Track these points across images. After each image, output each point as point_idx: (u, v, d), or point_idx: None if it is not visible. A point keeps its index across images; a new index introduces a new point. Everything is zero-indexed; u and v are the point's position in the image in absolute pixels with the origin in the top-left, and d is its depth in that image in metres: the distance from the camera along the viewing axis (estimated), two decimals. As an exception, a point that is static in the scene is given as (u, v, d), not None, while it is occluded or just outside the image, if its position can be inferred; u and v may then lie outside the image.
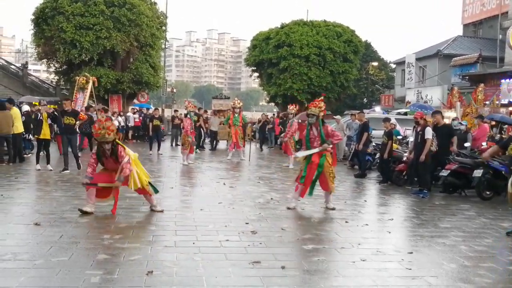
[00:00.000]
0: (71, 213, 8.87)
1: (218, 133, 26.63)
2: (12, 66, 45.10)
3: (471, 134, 15.96)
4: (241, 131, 20.77)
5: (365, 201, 12.02)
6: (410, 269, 6.43)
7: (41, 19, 32.64)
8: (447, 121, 18.07)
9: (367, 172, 16.52)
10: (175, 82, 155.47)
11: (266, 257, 6.65)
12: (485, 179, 12.38)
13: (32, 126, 17.25)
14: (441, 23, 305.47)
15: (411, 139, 14.11)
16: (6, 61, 45.59)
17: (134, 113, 32.84)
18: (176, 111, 31.67)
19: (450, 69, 37.53)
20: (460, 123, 16.83)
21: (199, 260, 6.42)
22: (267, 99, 44.95)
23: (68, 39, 31.50)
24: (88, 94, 25.75)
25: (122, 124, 29.30)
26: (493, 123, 19.15)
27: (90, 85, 25.76)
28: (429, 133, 12.54)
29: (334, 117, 22.08)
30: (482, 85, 23.71)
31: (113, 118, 23.88)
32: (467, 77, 33.64)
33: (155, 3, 36.96)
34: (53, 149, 16.36)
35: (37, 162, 15.11)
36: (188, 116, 18.65)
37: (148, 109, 36.82)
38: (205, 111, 31.21)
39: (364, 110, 25.33)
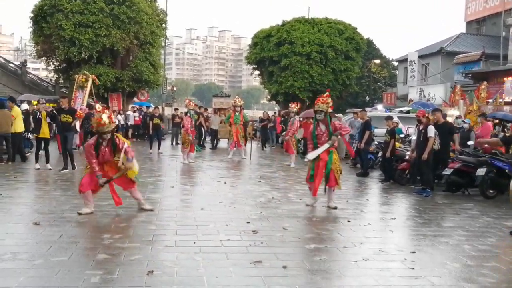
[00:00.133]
0: (71, 213, 8.87)
1: (219, 132, 26.62)
2: (11, 64, 45.10)
3: (474, 133, 15.95)
4: (242, 129, 20.76)
5: (368, 200, 12.01)
6: (413, 268, 6.42)
7: (40, 16, 32.61)
8: (450, 119, 18.10)
9: (369, 171, 16.51)
10: (175, 80, 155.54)
11: (267, 256, 6.65)
12: (489, 178, 12.36)
13: (33, 124, 17.24)
14: (444, 21, 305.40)
15: (414, 137, 14.10)
16: (5, 59, 45.57)
17: (134, 111, 32.80)
18: (176, 109, 31.65)
19: (453, 66, 37.47)
20: (463, 121, 16.82)
21: (200, 259, 6.42)
22: (268, 97, 44.89)
23: (67, 37, 31.48)
24: (87, 92, 25.80)
25: (122, 122, 29.26)
26: (496, 121, 19.15)
27: (89, 83, 25.81)
28: (431, 131, 12.53)
29: (336, 115, 22.06)
30: (485, 83, 23.70)
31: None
32: (470, 75, 33.57)
33: (155, 1, 36.98)
34: (52, 148, 16.34)
35: (36, 161, 15.12)
36: (188, 114, 18.64)
37: (148, 107, 36.80)
38: (206, 110, 31.20)
39: (366, 108, 25.34)
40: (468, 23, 45.27)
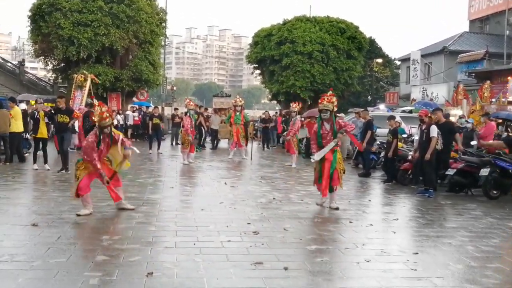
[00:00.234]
0: (69, 214, 8.87)
1: (219, 132, 26.62)
2: (9, 64, 45.15)
3: (477, 132, 15.94)
4: (242, 129, 20.77)
5: (370, 200, 12.02)
6: (416, 270, 6.42)
7: (38, 15, 32.62)
8: (453, 119, 18.08)
9: (372, 171, 16.52)
10: (175, 79, 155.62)
11: (268, 258, 6.65)
12: (492, 178, 12.36)
13: (32, 125, 17.22)
14: (447, 19, 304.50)
15: (416, 137, 14.10)
16: (3, 59, 45.61)
17: (133, 111, 32.82)
18: (176, 109, 31.66)
19: (456, 66, 37.49)
20: (467, 121, 16.81)
21: (200, 261, 6.42)
22: (269, 97, 44.84)
23: (65, 36, 31.47)
24: (86, 92, 25.81)
25: (121, 122, 29.27)
26: (500, 120, 19.13)
27: (88, 83, 25.81)
28: (434, 131, 12.51)
29: (338, 115, 22.04)
30: (488, 82, 23.69)
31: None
32: (473, 74, 33.59)
33: (154, -1, 36.97)
34: (51, 148, 16.36)
35: (35, 161, 15.12)
36: (188, 114, 18.64)
37: (147, 107, 36.79)
38: (206, 109, 31.21)
39: (368, 108, 25.35)
40: (472, 22, 45.31)
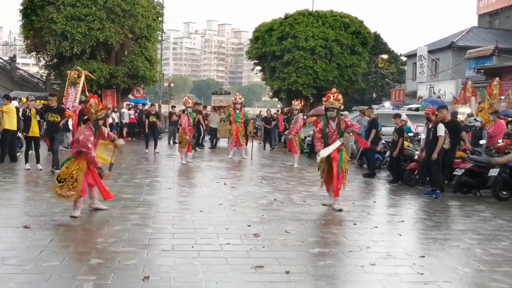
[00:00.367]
0: (63, 215, 8.88)
1: (218, 131, 26.63)
2: (-1, 60, 45.18)
3: (486, 131, 15.94)
4: (242, 128, 20.77)
5: (375, 202, 12.02)
6: (422, 274, 6.43)
7: (30, 9, 32.56)
8: (461, 117, 18.08)
9: (377, 172, 16.51)
10: (173, 76, 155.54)
11: (269, 261, 6.66)
12: (502, 179, 12.37)
13: (24, 123, 17.20)
14: (455, 14, 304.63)
15: (423, 136, 14.10)
16: (-7, 55, 45.62)
17: (129, 109, 32.83)
18: (173, 107, 31.61)
19: (464, 62, 37.46)
20: (475, 119, 16.81)
21: (199, 264, 6.43)
22: (270, 94, 44.85)
23: (58, 30, 31.41)
24: (80, 89, 25.77)
25: (117, 120, 29.30)
26: (510, 119, 19.10)
27: (82, 80, 25.78)
28: (441, 130, 12.51)
29: (342, 113, 22.05)
30: (497, 79, 23.65)
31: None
32: (482, 71, 33.57)
33: (151, -7, 36.95)
34: (43, 147, 16.38)
35: (26, 161, 15.12)
36: (186, 112, 18.63)
37: (144, 105, 36.85)
38: (205, 107, 31.19)
39: (373, 106, 25.34)
40: (480, 16, 45.25)
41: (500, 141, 15.11)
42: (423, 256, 7.19)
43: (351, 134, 10.90)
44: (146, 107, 31.23)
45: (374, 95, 53.70)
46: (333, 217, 9.86)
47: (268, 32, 39.07)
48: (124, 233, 7.89)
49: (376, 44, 51.26)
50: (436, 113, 13.31)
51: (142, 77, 35.24)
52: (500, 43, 35.60)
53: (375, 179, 15.64)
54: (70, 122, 19.04)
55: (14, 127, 16.40)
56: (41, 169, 14.76)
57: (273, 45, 38.05)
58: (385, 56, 53.44)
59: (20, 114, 17.15)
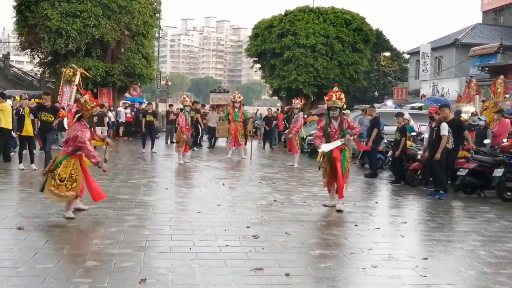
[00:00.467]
0: (57, 217, 8.87)
1: (217, 130, 26.61)
2: (-8, 57, 45.08)
3: (491, 130, 15.93)
4: (241, 127, 20.75)
5: (377, 202, 12.02)
6: (425, 276, 6.43)
7: (24, 5, 32.52)
8: (465, 116, 18.07)
9: (379, 172, 16.52)
10: (170, 74, 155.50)
11: (269, 263, 6.66)
12: (506, 179, 12.37)
13: (17, 122, 17.16)
14: (459, 10, 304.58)
15: (426, 135, 14.10)
16: (-14, 52, 45.57)
17: (125, 107, 32.82)
18: (171, 105, 31.66)
19: (468, 59, 37.47)
20: (479, 118, 16.80)
21: (197, 267, 6.43)
22: (270, 92, 44.91)
23: (53, 27, 31.36)
24: (75, 87, 25.77)
25: (113, 119, 29.28)
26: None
27: (77, 78, 25.78)
28: (445, 129, 12.50)
29: (344, 112, 22.03)
30: (501, 77, 23.64)
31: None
32: (487, 69, 33.58)
33: (147, -12, 36.94)
34: (37, 147, 16.34)
35: (20, 161, 15.09)
36: (183, 111, 18.62)
37: (140, 103, 36.78)
38: (203, 106, 31.19)
39: (375, 104, 25.37)
40: (485, 13, 45.28)
41: (505, 140, 15.09)
42: (426, 258, 7.19)
43: (352, 136, 10.94)
44: (143, 105, 31.16)
45: (376, 93, 53.67)
46: (334, 218, 9.86)
47: (268, 29, 39.09)
48: (121, 234, 7.89)
49: (378, 41, 51.25)
50: (439, 111, 13.31)
51: (139, 75, 35.21)
52: (505, 40, 35.62)
53: (377, 180, 15.65)
54: (65, 121, 19.02)
55: (10, 126, 16.35)
56: (35, 169, 14.73)
57: (273, 42, 38.08)
58: (387, 54, 53.41)
59: (14, 113, 17.12)
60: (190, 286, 5.79)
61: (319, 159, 10.92)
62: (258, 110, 41.87)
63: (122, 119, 31.09)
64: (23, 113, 15.34)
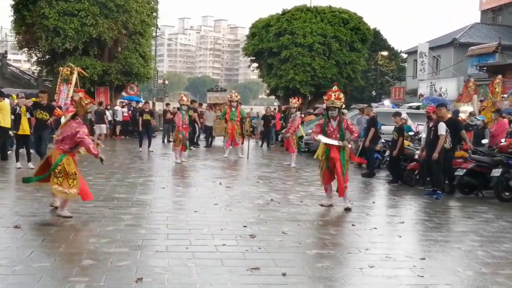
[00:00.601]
0: (54, 215, 8.85)
1: (214, 129, 26.59)
2: (-10, 56, 45.03)
3: (489, 130, 15.94)
4: (238, 126, 20.75)
5: (374, 202, 12.02)
6: (423, 276, 6.42)
7: (21, 4, 32.53)
8: (463, 115, 18.08)
9: (376, 171, 16.52)
10: (167, 73, 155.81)
11: (265, 263, 6.65)
12: (504, 179, 12.35)
13: (14, 121, 17.11)
14: (457, 9, 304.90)
15: (424, 135, 14.10)
16: (-17, 51, 45.50)
17: (122, 106, 32.81)
18: (168, 104, 31.63)
19: (466, 59, 37.49)
20: (477, 118, 16.82)
21: (193, 266, 6.42)
22: (267, 91, 44.98)
23: (50, 26, 31.36)
24: (72, 86, 25.77)
25: (110, 118, 29.24)
26: (512, 118, 19.12)
27: (74, 76, 25.77)
28: (442, 128, 12.49)
29: (343, 111, 22.01)
30: (500, 76, 23.68)
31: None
32: (485, 68, 33.59)
33: (145, -13, 36.90)
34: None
35: (17, 159, 15.06)
36: (180, 110, 18.59)
37: (137, 102, 36.79)
38: (200, 105, 31.17)
39: (373, 104, 25.35)
40: (483, 12, 45.32)
41: (502, 140, 15.10)
42: (424, 258, 7.19)
43: (351, 143, 11.01)
44: (140, 104, 31.15)
45: (373, 93, 53.69)
46: (331, 218, 9.87)
47: (265, 28, 39.11)
48: (117, 233, 7.88)
49: (376, 41, 51.28)
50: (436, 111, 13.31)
51: (136, 74, 35.23)
52: (503, 39, 35.61)
53: (374, 179, 15.65)
54: (62, 120, 18.95)
55: (8, 125, 16.32)
56: (32, 168, 14.64)
57: (270, 42, 38.09)
58: (385, 53, 53.39)
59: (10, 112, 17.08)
60: (187, 286, 5.78)
61: (316, 157, 10.95)
62: (252, 109, 41.79)
63: (119, 118, 31.05)
64: (19, 111, 15.29)
